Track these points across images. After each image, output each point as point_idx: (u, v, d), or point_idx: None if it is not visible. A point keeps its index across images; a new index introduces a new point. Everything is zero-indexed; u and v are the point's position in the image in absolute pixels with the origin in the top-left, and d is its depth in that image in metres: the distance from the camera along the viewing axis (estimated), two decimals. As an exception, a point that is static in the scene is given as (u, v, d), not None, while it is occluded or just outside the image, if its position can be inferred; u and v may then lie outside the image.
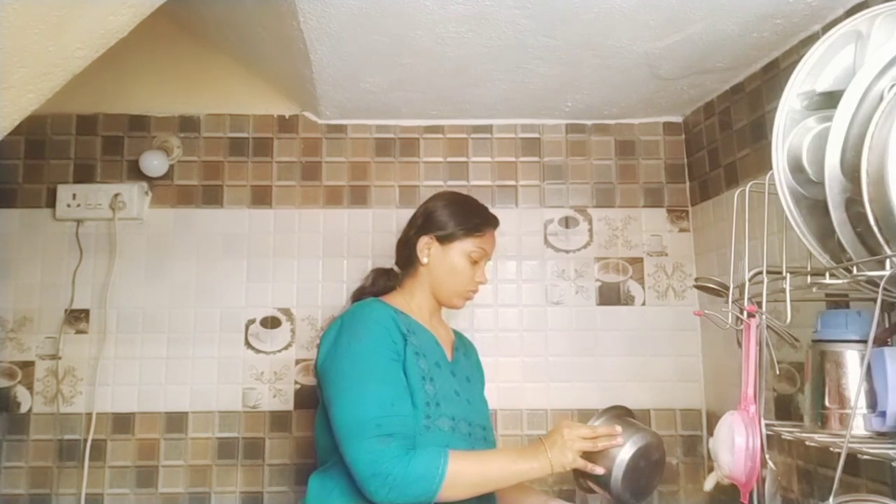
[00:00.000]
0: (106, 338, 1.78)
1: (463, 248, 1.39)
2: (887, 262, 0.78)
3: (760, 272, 1.02)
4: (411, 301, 1.41)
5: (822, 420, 0.94)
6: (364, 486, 1.12)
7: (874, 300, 0.80)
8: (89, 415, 1.74)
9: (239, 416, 1.78)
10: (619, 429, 1.22)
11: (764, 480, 1.00)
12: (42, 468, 1.74)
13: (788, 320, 0.93)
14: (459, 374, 1.40)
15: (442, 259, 1.39)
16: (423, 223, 1.42)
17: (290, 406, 1.79)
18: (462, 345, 1.52)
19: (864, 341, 0.91)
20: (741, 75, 1.58)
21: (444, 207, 1.42)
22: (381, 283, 1.46)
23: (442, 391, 1.28)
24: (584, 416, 1.80)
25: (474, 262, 1.40)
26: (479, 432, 1.34)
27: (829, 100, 0.91)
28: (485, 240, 1.41)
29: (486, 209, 1.46)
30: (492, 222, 1.45)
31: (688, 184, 1.90)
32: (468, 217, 1.41)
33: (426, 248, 1.39)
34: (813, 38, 1.31)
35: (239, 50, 1.80)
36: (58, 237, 1.81)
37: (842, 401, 0.92)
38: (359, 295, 1.46)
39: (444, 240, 1.39)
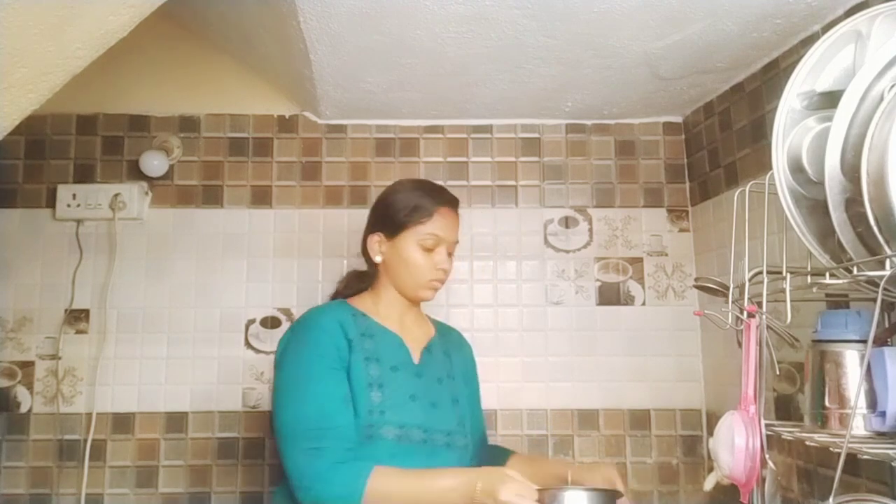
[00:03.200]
0: (106, 338, 1.78)
1: (411, 238, 1.30)
2: (887, 262, 0.78)
3: (760, 272, 1.02)
4: (379, 301, 1.36)
5: (822, 420, 0.94)
6: (294, 493, 1.15)
7: (874, 300, 0.80)
8: (89, 415, 1.74)
9: (239, 416, 1.78)
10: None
11: (764, 480, 1.00)
12: (42, 468, 1.74)
13: (788, 320, 0.93)
14: (428, 375, 1.33)
15: (393, 255, 1.32)
16: (371, 221, 1.37)
17: (290, 406, 1.79)
18: (444, 343, 1.44)
19: (864, 341, 0.91)
20: (741, 75, 1.58)
21: (386, 200, 1.35)
22: (353, 286, 1.42)
23: (392, 398, 1.24)
24: (584, 416, 1.81)
25: (429, 250, 1.31)
26: (439, 438, 1.27)
27: (829, 100, 0.91)
28: (435, 223, 1.31)
29: (431, 189, 1.36)
30: (438, 201, 1.33)
31: (688, 184, 1.90)
32: (408, 205, 1.31)
33: (377, 246, 1.34)
34: (813, 38, 1.31)
35: (239, 50, 1.80)
36: (58, 237, 1.81)
37: (842, 401, 0.92)
38: (333, 298, 1.44)
39: (391, 235, 1.32)
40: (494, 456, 1.44)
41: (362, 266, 1.43)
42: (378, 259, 1.34)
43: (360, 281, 1.43)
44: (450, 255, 1.35)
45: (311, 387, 1.19)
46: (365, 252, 1.38)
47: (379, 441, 1.19)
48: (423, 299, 1.37)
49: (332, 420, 1.17)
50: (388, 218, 1.32)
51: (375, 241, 1.34)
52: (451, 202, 1.36)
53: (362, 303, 1.36)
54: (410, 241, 1.30)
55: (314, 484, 1.12)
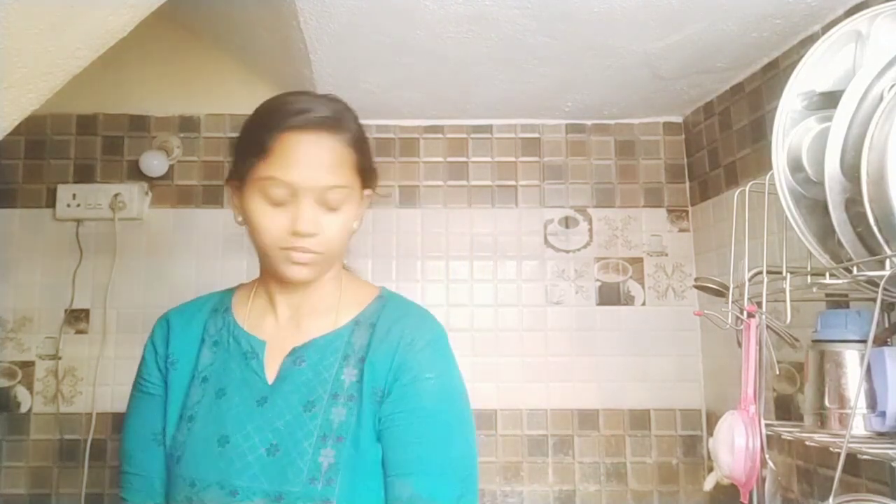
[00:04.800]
0: (106, 338, 1.77)
1: (254, 185, 0.85)
2: (887, 262, 0.78)
3: (760, 272, 1.02)
4: (257, 290, 0.97)
5: (821, 420, 0.94)
6: None
7: (874, 300, 0.80)
8: (89, 415, 1.74)
9: (239, 416, 1.77)
10: None
11: (764, 480, 1.00)
12: (42, 468, 1.74)
13: (788, 320, 0.93)
14: (281, 400, 0.87)
15: (242, 213, 0.89)
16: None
17: (290, 406, 1.79)
18: (352, 339, 0.91)
19: (864, 341, 0.91)
20: (741, 75, 1.58)
21: (237, 134, 0.93)
22: None
23: (193, 439, 0.87)
24: (584, 416, 1.81)
25: (276, 204, 0.85)
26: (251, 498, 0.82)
27: (829, 100, 0.91)
28: (276, 160, 0.84)
29: (278, 106, 0.89)
30: (281, 124, 0.85)
31: (688, 184, 1.90)
32: (248, 131, 0.90)
33: (234, 201, 0.91)
34: (813, 38, 1.31)
35: (239, 50, 1.80)
36: (58, 237, 1.81)
37: (842, 401, 0.92)
38: None
39: (235, 184, 0.90)
40: None
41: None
42: (239, 220, 0.91)
43: None
44: (333, 209, 0.86)
45: (128, 417, 0.95)
46: None
47: (175, 497, 0.86)
48: (285, 277, 0.88)
49: (135, 462, 0.92)
50: (235, 158, 0.91)
51: (230, 195, 0.92)
52: (309, 122, 0.85)
53: (243, 292, 0.99)
54: (254, 191, 0.86)
55: None
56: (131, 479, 0.92)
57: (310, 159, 0.84)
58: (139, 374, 0.97)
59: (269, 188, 0.84)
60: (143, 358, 0.97)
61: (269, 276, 0.93)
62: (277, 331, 0.92)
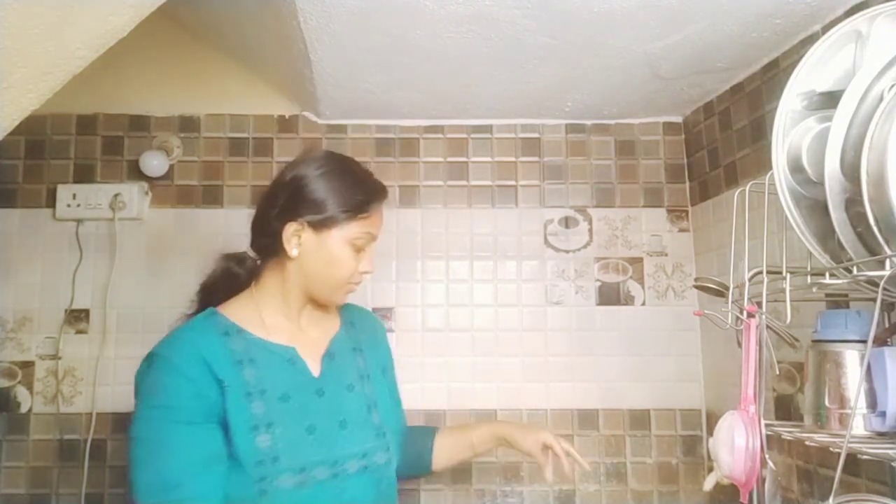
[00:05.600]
0: (106, 338, 1.77)
1: (345, 234, 1.07)
2: (887, 262, 0.77)
3: (760, 272, 1.02)
4: (264, 305, 1.11)
5: (821, 420, 0.94)
6: None
7: (874, 300, 0.80)
8: (89, 415, 1.74)
9: (239, 416, 1.77)
10: None
11: (764, 480, 1.00)
12: (42, 468, 1.73)
13: (788, 320, 0.92)
14: (333, 388, 1.11)
15: (317, 250, 1.07)
16: (290, 203, 1.08)
17: (290, 406, 1.79)
18: (353, 335, 1.21)
19: (864, 341, 0.91)
20: (741, 75, 1.58)
21: (319, 180, 1.08)
22: (232, 276, 1.16)
23: (286, 437, 1.02)
24: (584, 416, 1.81)
25: (359, 250, 1.10)
26: (352, 465, 1.06)
27: (829, 100, 0.91)
28: (372, 221, 1.11)
29: (372, 178, 1.14)
30: (381, 196, 1.13)
31: (688, 184, 1.90)
32: (352, 194, 1.08)
33: (295, 236, 1.07)
34: (813, 38, 1.31)
35: (239, 50, 1.80)
36: (58, 237, 1.81)
37: (842, 401, 0.92)
38: (205, 295, 1.17)
39: (319, 226, 1.07)
40: (417, 440, 1.30)
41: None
42: (295, 253, 1.07)
43: (238, 271, 1.17)
44: None
45: (163, 448, 0.96)
46: (261, 236, 1.13)
47: (276, 496, 0.98)
48: (334, 304, 1.17)
49: (187, 489, 0.95)
50: (317, 206, 1.07)
51: (294, 230, 1.07)
52: (386, 196, 1.15)
53: (239, 311, 1.09)
54: (343, 238, 1.08)
55: None
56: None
57: (381, 221, 1.15)
58: (168, 406, 0.98)
59: (360, 241, 1.10)
60: (173, 390, 0.99)
61: (303, 297, 1.13)
62: (298, 336, 1.12)
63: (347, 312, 1.24)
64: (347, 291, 1.14)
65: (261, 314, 1.10)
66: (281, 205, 1.09)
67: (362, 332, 1.24)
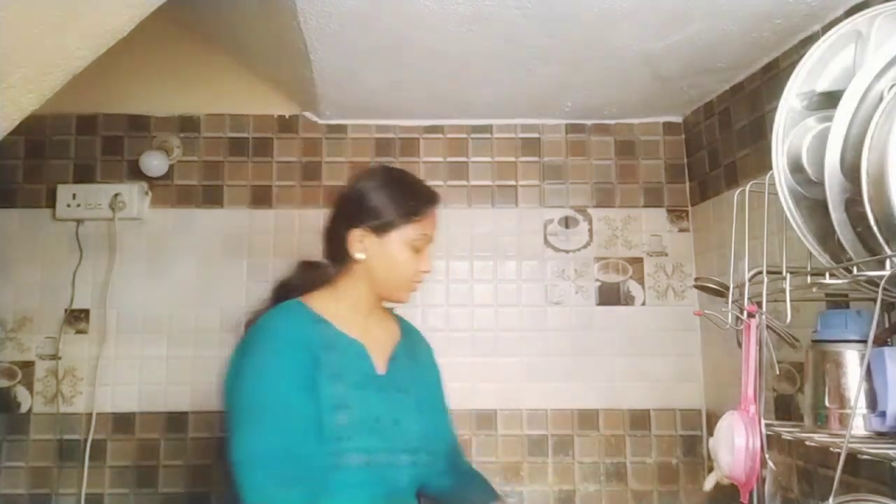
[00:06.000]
0: (106, 338, 1.77)
1: (403, 236, 1.20)
2: (887, 262, 0.77)
3: (760, 272, 1.02)
4: (341, 302, 1.23)
5: (822, 420, 0.94)
6: None
7: (874, 300, 0.80)
8: (89, 415, 1.74)
9: (239, 416, 1.77)
10: None
11: (764, 480, 1.00)
12: (42, 468, 1.74)
13: (788, 320, 0.92)
14: (392, 387, 1.22)
15: (380, 252, 1.20)
16: (352, 212, 1.22)
17: (290, 406, 1.79)
18: (409, 345, 1.33)
19: (864, 341, 0.91)
20: (741, 75, 1.58)
21: (376, 190, 1.22)
22: (308, 278, 1.28)
23: (357, 420, 1.13)
24: (584, 416, 1.81)
25: (417, 251, 1.22)
26: (403, 459, 1.17)
27: (829, 100, 0.91)
28: (426, 223, 1.23)
29: (423, 185, 1.28)
30: (433, 200, 1.25)
31: (688, 184, 1.90)
32: (405, 199, 1.22)
33: (359, 242, 1.20)
34: (813, 38, 1.31)
35: (239, 50, 1.80)
36: (58, 237, 1.81)
37: (842, 401, 0.92)
38: (282, 291, 1.28)
39: (379, 230, 1.20)
40: (469, 488, 1.33)
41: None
42: (361, 256, 1.20)
43: (313, 274, 1.28)
44: None
45: (280, 409, 1.07)
46: (331, 244, 1.26)
47: (346, 471, 1.09)
48: (400, 301, 1.28)
49: (303, 448, 1.06)
50: (375, 213, 1.20)
51: (358, 236, 1.20)
52: (438, 201, 1.28)
53: (321, 304, 1.22)
54: (402, 240, 1.21)
55: None
56: (302, 462, 1.06)
57: (436, 223, 1.26)
58: (280, 372, 1.10)
59: (417, 242, 1.21)
60: (286, 355, 1.11)
61: (374, 296, 1.24)
62: (366, 333, 1.22)
63: (405, 326, 1.36)
64: (411, 290, 1.26)
65: (339, 309, 1.22)
66: (345, 215, 1.23)
67: (418, 348, 1.35)
